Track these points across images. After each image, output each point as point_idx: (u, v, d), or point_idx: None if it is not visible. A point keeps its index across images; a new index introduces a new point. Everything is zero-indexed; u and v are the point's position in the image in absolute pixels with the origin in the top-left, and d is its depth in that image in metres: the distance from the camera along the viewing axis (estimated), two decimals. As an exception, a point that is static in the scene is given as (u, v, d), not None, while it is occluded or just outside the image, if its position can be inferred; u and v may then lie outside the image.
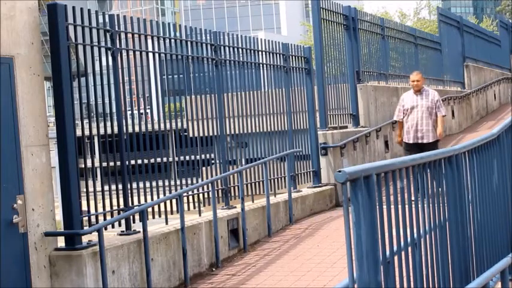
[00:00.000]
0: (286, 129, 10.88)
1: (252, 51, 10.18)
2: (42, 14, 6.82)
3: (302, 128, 11.29)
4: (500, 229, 5.52)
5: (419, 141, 10.74)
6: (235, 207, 8.96)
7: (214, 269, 8.01)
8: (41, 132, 6.17)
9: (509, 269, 5.26)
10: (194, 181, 8.56)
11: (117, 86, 7.27)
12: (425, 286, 4.12)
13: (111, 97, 7.28)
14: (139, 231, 6.99)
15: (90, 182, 6.77)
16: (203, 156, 8.92)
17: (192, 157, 8.67)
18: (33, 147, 6.07)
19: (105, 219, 6.85)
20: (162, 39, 8.10)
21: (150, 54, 7.94)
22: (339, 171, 3.24)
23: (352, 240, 3.32)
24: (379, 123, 13.70)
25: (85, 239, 6.40)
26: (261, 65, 10.45)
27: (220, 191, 9.04)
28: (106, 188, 7.16)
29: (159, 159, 7.94)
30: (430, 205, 4.30)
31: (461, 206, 4.77)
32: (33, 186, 6.03)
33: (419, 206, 4.13)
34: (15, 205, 5.83)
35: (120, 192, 7.17)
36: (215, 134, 9.21)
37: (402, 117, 10.91)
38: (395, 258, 3.84)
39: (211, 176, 8.84)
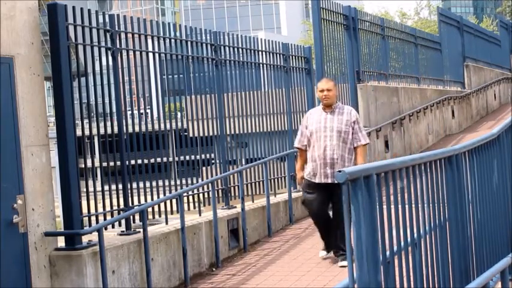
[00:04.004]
0: (286, 129, 10.88)
1: (252, 51, 10.19)
2: (42, 14, 6.82)
3: (302, 128, 11.29)
4: (500, 229, 5.52)
5: (329, 181, 7.38)
6: (235, 207, 8.96)
7: (214, 269, 8.01)
8: (41, 132, 6.17)
9: (509, 269, 5.26)
10: (194, 181, 8.57)
11: (117, 86, 7.27)
12: (425, 286, 4.12)
13: (111, 97, 7.28)
14: (139, 231, 6.99)
15: (90, 182, 6.77)
16: (203, 156, 8.92)
17: (192, 157, 8.68)
18: (33, 147, 6.07)
19: (105, 219, 6.85)
20: (162, 39, 8.10)
21: (150, 54, 7.95)
22: (339, 171, 3.24)
23: (352, 240, 3.32)
24: (379, 123, 13.70)
25: (85, 239, 6.40)
26: (261, 65, 10.46)
27: (220, 191, 9.04)
28: (106, 188, 7.16)
29: (159, 159, 7.94)
30: (430, 205, 4.30)
31: (461, 206, 4.77)
32: (33, 186, 6.03)
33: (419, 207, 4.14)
34: (15, 205, 5.83)
35: (120, 192, 7.17)
36: (215, 134, 9.22)
37: (306, 144, 7.65)
38: (396, 258, 3.84)
39: (211, 176, 8.84)
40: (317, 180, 7.46)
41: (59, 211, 8.72)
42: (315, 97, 11.77)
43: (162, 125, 8.04)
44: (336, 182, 7.20)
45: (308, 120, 7.65)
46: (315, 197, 7.49)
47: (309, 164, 7.58)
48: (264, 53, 10.54)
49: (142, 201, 7.50)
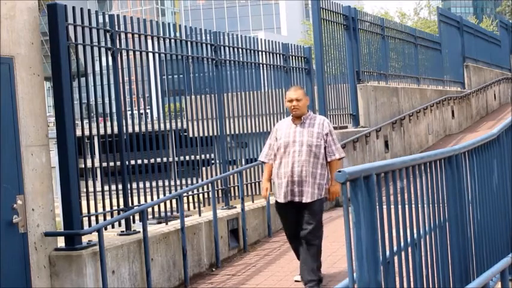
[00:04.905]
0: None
1: (252, 51, 10.19)
2: (42, 14, 6.83)
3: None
4: (500, 229, 5.52)
5: (296, 200, 6.68)
6: (235, 207, 8.96)
7: (214, 269, 8.01)
8: (41, 132, 6.17)
9: (509, 269, 5.26)
10: (194, 181, 8.57)
11: (117, 86, 7.27)
12: (425, 286, 4.12)
13: (111, 97, 7.29)
14: (139, 231, 6.99)
15: (90, 182, 6.77)
16: (203, 156, 8.92)
17: (192, 157, 8.67)
18: (33, 147, 6.07)
19: (105, 219, 6.85)
20: (162, 39, 8.10)
21: (150, 54, 7.95)
22: (339, 171, 3.24)
23: (352, 240, 3.32)
24: (379, 123, 13.71)
25: (85, 239, 6.40)
26: (261, 65, 10.46)
27: (220, 191, 9.04)
28: (106, 188, 7.16)
29: (159, 159, 7.94)
30: (430, 205, 4.30)
31: (461, 206, 4.77)
32: (33, 186, 6.03)
33: (419, 206, 4.14)
34: (15, 205, 5.83)
35: (120, 192, 7.17)
36: (215, 134, 9.22)
37: (272, 157, 6.94)
38: (395, 258, 3.84)
39: (211, 176, 8.84)
40: (282, 200, 6.75)
41: (59, 211, 8.72)
42: (315, 97, 11.81)
43: (162, 125, 8.04)
44: (303, 201, 6.54)
45: (277, 132, 6.91)
46: (287, 218, 6.88)
47: (275, 181, 6.85)
48: (264, 53, 10.54)
49: (142, 201, 7.50)
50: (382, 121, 13.89)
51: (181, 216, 7.53)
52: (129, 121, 7.50)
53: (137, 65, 7.82)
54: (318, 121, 6.82)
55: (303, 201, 6.66)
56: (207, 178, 8.77)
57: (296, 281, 7.13)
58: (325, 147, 6.75)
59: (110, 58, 7.22)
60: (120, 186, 7.18)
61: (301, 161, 6.67)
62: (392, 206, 3.83)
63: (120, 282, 6.56)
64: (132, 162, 7.38)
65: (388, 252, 3.64)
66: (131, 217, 7.10)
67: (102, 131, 7.87)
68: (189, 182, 8.46)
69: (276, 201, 6.89)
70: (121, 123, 7.20)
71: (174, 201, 7.91)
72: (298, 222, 6.76)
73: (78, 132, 6.63)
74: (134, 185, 7.45)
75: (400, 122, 14.85)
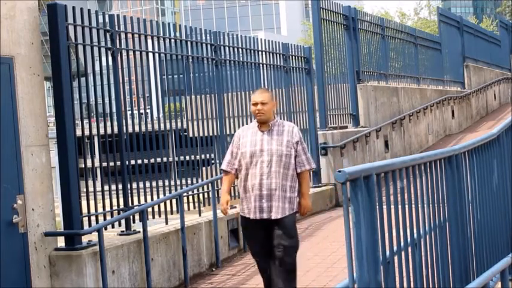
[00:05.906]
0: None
1: (252, 51, 10.19)
2: (42, 14, 6.83)
3: (302, 128, 11.30)
4: (500, 229, 5.52)
5: (265, 216, 5.95)
6: (235, 207, 8.95)
7: (214, 269, 8.01)
8: (41, 132, 6.17)
9: (509, 269, 5.26)
10: (194, 181, 8.57)
11: (117, 86, 7.27)
12: (425, 286, 4.12)
13: (111, 97, 7.29)
14: (139, 231, 6.99)
15: (90, 182, 6.77)
16: (203, 156, 8.92)
17: (192, 157, 8.68)
18: (33, 147, 6.07)
19: (105, 219, 6.85)
20: (162, 39, 8.10)
21: (150, 54, 7.95)
22: (339, 171, 3.24)
23: (352, 240, 3.32)
24: (379, 123, 13.71)
25: (85, 239, 6.40)
26: (261, 65, 10.46)
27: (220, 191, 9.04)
28: (106, 188, 7.16)
29: (159, 159, 7.94)
30: (430, 205, 4.30)
31: (461, 206, 4.77)
32: (33, 186, 6.03)
33: (419, 206, 4.14)
34: (15, 205, 5.83)
35: (120, 192, 7.18)
36: (215, 134, 9.22)
37: (235, 167, 6.17)
38: (396, 258, 3.84)
39: (211, 176, 8.84)
40: (252, 216, 6.01)
41: (59, 211, 8.73)
42: (315, 97, 11.81)
43: (162, 125, 8.04)
44: (272, 218, 5.89)
45: (241, 140, 6.13)
46: (255, 236, 6.10)
47: (241, 195, 6.13)
48: (264, 53, 10.54)
49: (142, 201, 7.50)
50: (382, 121, 13.88)
51: (181, 216, 7.53)
52: (129, 121, 7.50)
53: (137, 65, 7.81)
54: (286, 128, 6.10)
55: (272, 217, 5.95)
56: (207, 178, 8.77)
57: None
58: (295, 157, 6.04)
59: (110, 58, 7.22)
60: (120, 186, 7.18)
61: (271, 172, 5.95)
62: (392, 206, 3.83)
63: (120, 282, 6.56)
64: (132, 162, 7.38)
65: (388, 252, 3.64)
66: (131, 217, 7.10)
67: (102, 131, 7.87)
68: (189, 182, 8.46)
69: (242, 216, 6.14)
70: (121, 123, 7.20)
71: (174, 201, 7.90)
72: (268, 240, 6.01)
73: (78, 132, 6.63)
74: (134, 185, 7.45)
75: (400, 122, 14.85)
